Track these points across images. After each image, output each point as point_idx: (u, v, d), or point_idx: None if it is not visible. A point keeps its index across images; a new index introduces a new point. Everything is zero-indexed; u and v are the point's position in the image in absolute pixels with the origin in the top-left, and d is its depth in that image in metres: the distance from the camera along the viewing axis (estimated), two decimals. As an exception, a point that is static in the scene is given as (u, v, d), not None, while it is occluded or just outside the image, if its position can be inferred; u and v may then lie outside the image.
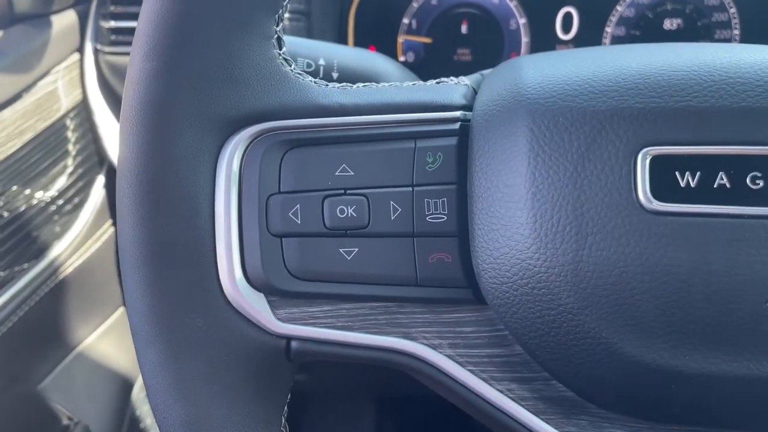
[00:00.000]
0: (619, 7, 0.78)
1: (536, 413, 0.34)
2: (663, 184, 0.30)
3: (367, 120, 0.34)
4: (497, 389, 0.34)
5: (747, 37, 0.78)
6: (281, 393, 0.36)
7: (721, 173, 0.30)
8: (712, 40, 0.78)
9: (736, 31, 0.77)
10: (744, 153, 0.30)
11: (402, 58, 0.82)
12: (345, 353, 0.35)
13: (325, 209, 0.34)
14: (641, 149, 0.30)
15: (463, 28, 0.80)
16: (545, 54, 0.39)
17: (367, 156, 0.34)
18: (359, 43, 0.82)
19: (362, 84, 0.37)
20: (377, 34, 0.82)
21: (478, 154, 0.33)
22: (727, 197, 0.29)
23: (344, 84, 0.36)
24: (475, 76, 0.40)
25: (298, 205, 0.34)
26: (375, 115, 0.35)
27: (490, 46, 0.80)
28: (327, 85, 0.36)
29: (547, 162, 0.31)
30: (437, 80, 0.39)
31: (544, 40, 0.80)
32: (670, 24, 0.78)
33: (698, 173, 0.30)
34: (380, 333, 0.35)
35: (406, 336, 0.35)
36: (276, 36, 0.34)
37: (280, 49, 0.34)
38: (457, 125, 0.35)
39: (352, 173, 0.34)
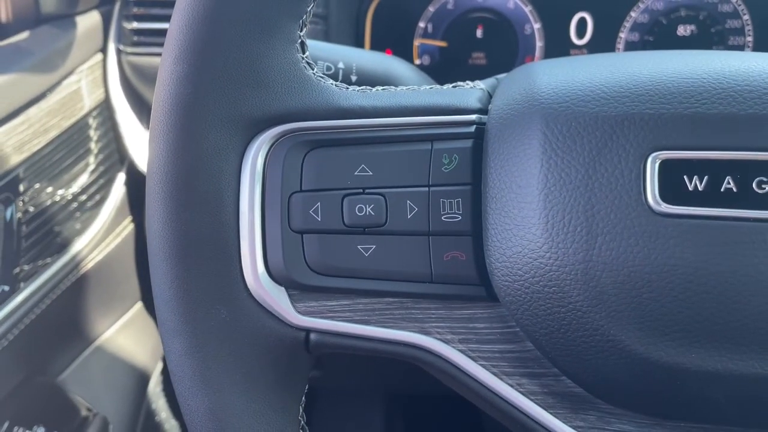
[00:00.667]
0: (633, 13, 0.79)
1: (545, 408, 0.35)
2: (671, 187, 0.31)
3: (385, 122, 0.36)
4: (508, 384, 0.35)
5: (761, 44, 0.78)
6: (300, 383, 0.37)
7: (728, 178, 0.31)
8: (726, 46, 0.78)
9: (750, 38, 0.78)
10: (751, 158, 0.31)
11: (417, 62, 0.83)
12: (361, 346, 0.36)
13: (344, 207, 0.35)
14: (651, 153, 0.31)
15: (478, 33, 0.82)
16: (559, 60, 0.40)
17: (385, 157, 0.36)
18: (375, 46, 0.83)
19: (381, 87, 0.38)
20: (393, 38, 0.83)
21: (492, 156, 0.34)
22: (733, 201, 0.31)
23: (364, 87, 0.38)
24: (491, 80, 0.41)
25: (318, 203, 0.35)
26: (393, 118, 0.36)
27: (504, 51, 0.82)
28: (347, 88, 0.37)
29: (559, 165, 0.32)
30: (453, 84, 0.40)
31: (558, 45, 0.81)
32: (683, 30, 0.79)
33: (706, 177, 0.31)
34: (396, 327, 0.36)
35: (421, 331, 0.36)
36: (300, 40, 0.35)
37: (304, 53, 0.36)
38: (472, 128, 0.36)
39: (371, 173, 0.35)
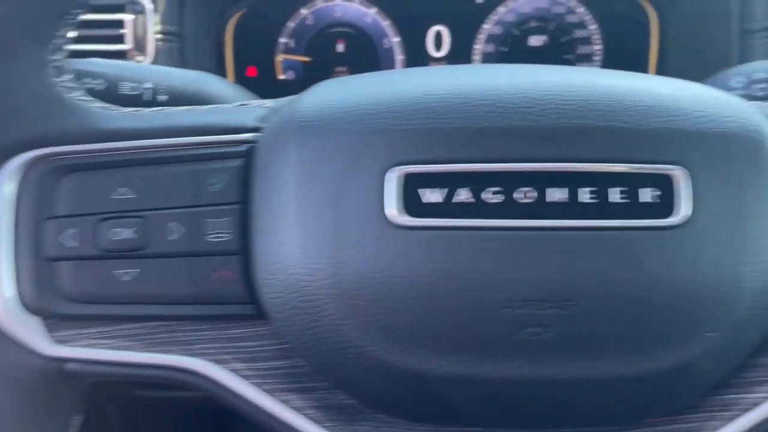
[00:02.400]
0: (486, 25, 0.81)
1: (314, 422, 0.35)
2: (411, 200, 0.32)
3: (149, 144, 0.35)
4: (280, 401, 0.35)
5: (610, 52, 0.81)
6: (63, 417, 0.36)
7: (461, 189, 0.32)
8: (576, 55, 0.81)
9: (598, 47, 0.81)
10: (482, 170, 0.32)
11: (282, 77, 0.83)
12: (125, 373, 0.35)
13: (100, 232, 0.34)
14: (390, 167, 0.32)
15: (340, 47, 0.82)
16: (343, 78, 0.40)
17: (147, 178, 0.35)
18: (238, 63, 0.83)
19: (158, 108, 0.38)
20: (256, 55, 0.83)
21: (258, 175, 0.34)
22: (467, 211, 0.31)
23: (136, 108, 0.37)
24: (292, 97, 0.41)
25: (73, 229, 0.34)
26: (158, 139, 0.36)
27: (366, 64, 0.82)
28: (115, 109, 0.36)
29: (313, 181, 0.33)
30: (241, 102, 0.40)
31: (417, 58, 0.82)
32: (536, 41, 0.81)
33: (442, 190, 0.32)
34: (162, 351, 0.35)
35: (189, 353, 0.35)
36: (53, 64, 0.35)
37: (60, 77, 0.35)
38: (243, 147, 0.36)
39: (134, 196, 0.35)
